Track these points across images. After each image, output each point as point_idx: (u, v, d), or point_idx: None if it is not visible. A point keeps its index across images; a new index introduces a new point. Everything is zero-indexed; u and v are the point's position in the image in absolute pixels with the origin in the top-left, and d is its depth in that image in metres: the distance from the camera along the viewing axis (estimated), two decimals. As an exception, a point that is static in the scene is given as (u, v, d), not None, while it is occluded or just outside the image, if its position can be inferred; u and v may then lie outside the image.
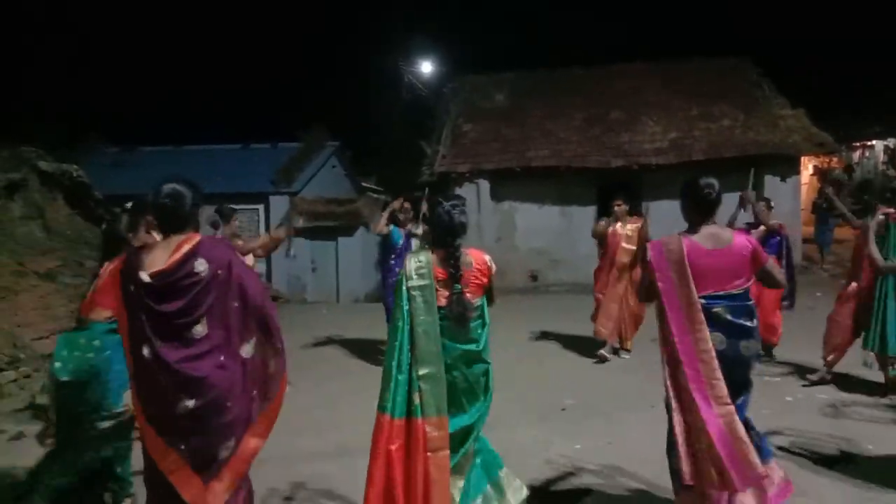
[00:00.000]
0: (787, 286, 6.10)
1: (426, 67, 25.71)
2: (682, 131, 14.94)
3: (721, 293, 3.36)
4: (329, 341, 8.96)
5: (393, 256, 7.70)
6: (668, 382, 3.42)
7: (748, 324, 3.38)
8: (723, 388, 3.24)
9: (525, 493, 3.49)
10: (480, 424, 3.32)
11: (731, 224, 6.02)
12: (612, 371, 7.13)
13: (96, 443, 3.68)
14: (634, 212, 7.73)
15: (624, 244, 7.46)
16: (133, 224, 4.01)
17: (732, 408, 3.24)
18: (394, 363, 3.19)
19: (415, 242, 7.71)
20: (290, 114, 26.04)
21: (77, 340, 3.77)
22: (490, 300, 3.45)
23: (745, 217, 6.87)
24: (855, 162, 23.23)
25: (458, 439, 3.22)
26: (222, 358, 2.80)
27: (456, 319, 3.22)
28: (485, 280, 3.37)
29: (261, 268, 15.08)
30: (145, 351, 2.74)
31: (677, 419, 3.36)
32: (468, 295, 3.27)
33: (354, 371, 7.52)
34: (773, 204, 7.32)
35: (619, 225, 7.59)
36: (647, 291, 3.55)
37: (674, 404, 3.38)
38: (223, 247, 2.97)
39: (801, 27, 26.99)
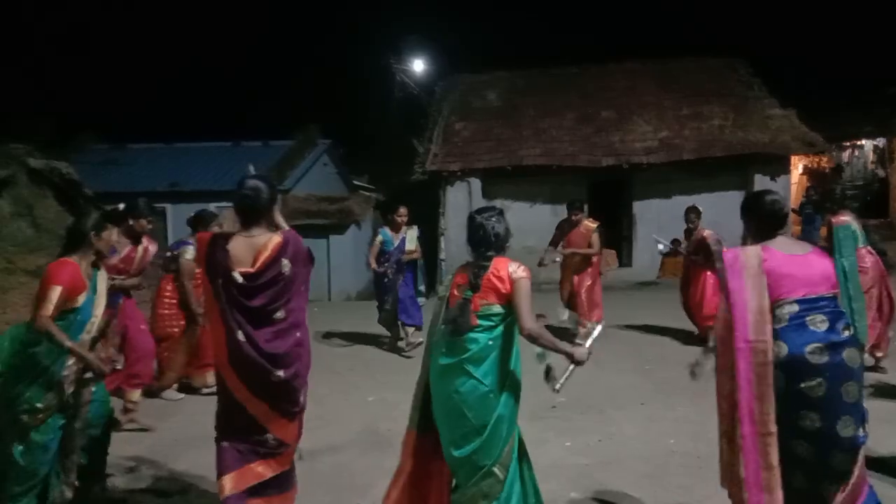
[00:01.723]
0: None
1: (418, 66, 25.65)
2: (673, 131, 14.99)
3: (813, 296, 3.04)
4: (320, 340, 8.95)
5: (384, 261, 7.72)
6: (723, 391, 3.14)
7: (845, 333, 3.02)
8: (771, 406, 2.92)
9: None
10: (487, 470, 3.04)
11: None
12: (603, 369, 7.15)
13: (21, 434, 3.63)
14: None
15: (580, 249, 8.16)
16: (100, 225, 3.91)
17: (774, 428, 2.90)
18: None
19: (410, 240, 7.76)
20: (282, 112, 25.93)
21: (11, 333, 3.89)
22: (520, 324, 3.09)
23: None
24: (845, 161, 23.35)
25: (458, 468, 3.10)
26: (298, 335, 3.30)
27: (449, 320, 3.16)
28: (505, 288, 3.12)
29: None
30: (240, 335, 3.15)
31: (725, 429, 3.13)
32: (480, 300, 3.11)
33: (343, 369, 7.51)
34: (700, 211, 8.37)
35: (576, 229, 8.21)
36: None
37: (725, 412, 3.12)
38: (298, 242, 3.29)
39: (793, 27, 27.11)
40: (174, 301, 6.23)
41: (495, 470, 3.02)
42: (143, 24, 35.43)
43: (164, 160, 19.10)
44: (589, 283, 8.22)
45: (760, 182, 14.13)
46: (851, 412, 2.93)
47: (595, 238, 8.20)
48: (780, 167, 14.51)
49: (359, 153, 24.32)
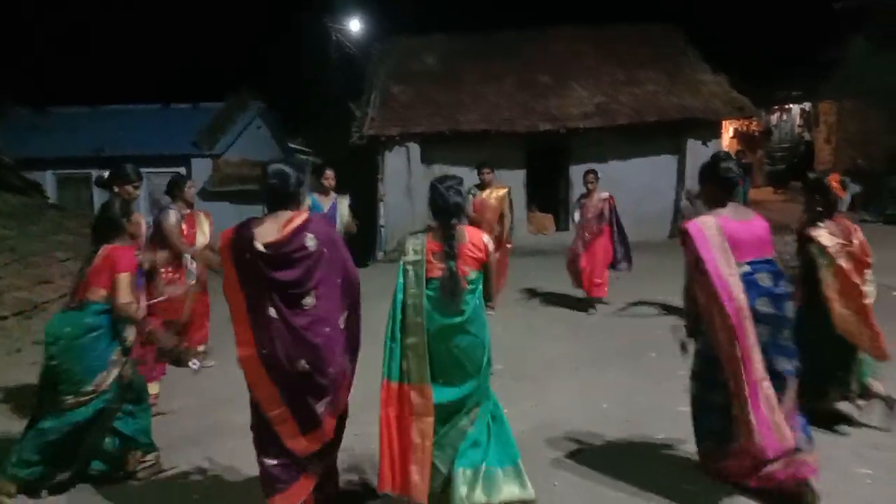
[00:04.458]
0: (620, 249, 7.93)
1: (355, 26, 25.11)
2: (608, 96, 15.13)
3: (761, 259, 3.64)
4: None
5: None
6: (716, 349, 3.56)
7: (785, 289, 3.68)
8: (760, 357, 3.46)
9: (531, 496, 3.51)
10: (472, 402, 3.46)
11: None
12: (537, 335, 7.27)
13: (64, 418, 3.84)
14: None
15: (489, 212, 7.82)
16: (127, 209, 4.18)
17: (767, 375, 3.46)
18: (388, 333, 3.44)
19: (342, 210, 7.02)
20: (213, 72, 25.13)
21: (69, 319, 3.94)
22: (487, 292, 3.58)
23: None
24: (773, 125, 24.10)
25: (447, 411, 3.41)
26: (328, 329, 3.13)
27: (447, 291, 3.40)
28: (481, 255, 3.50)
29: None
30: (272, 311, 3.05)
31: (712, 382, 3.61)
32: (462, 267, 3.44)
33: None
34: (599, 175, 8.16)
35: (485, 193, 7.94)
36: (692, 282, 3.67)
37: (717, 371, 3.56)
38: (329, 225, 3.24)
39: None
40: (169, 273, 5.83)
41: (484, 400, 3.53)
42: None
43: (89, 124, 18.38)
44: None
45: (693, 146, 14.45)
46: (786, 353, 3.59)
47: (506, 205, 7.98)
48: (711, 132, 14.84)
49: (294, 116, 23.83)
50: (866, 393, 4.51)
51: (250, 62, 25.27)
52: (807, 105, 22.14)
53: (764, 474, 3.53)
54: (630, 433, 4.54)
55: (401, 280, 3.47)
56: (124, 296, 3.90)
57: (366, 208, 7.48)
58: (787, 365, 3.57)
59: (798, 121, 23.06)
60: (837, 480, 3.81)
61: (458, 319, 3.40)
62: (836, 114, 19.62)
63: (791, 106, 23.17)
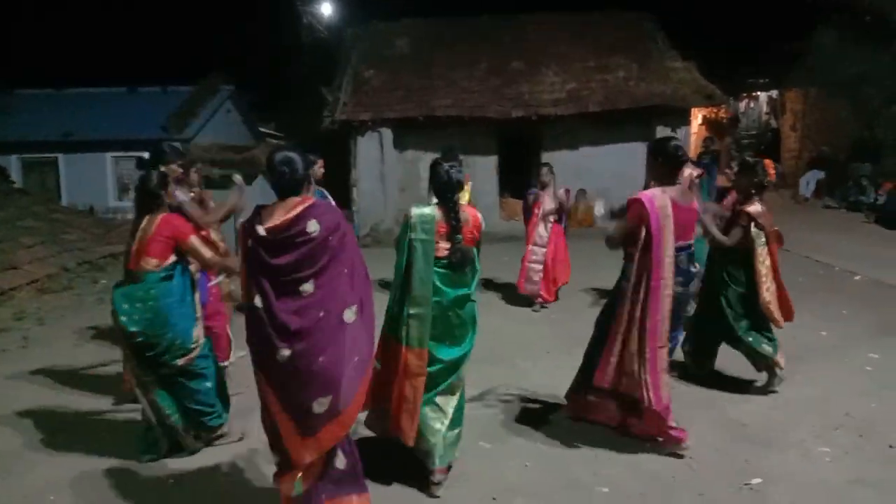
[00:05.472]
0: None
1: (327, 9, 24.86)
2: (580, 83, 15.21)
3: (685, 244, 4.00)
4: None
5: None
6: (625, 314, 3.96)
7: (695, 269, 4.20)
8: (667, 328, 3.90)
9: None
10: (469, 355, 3.87)
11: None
12: (512, 321, 7.36)
13: (169, 381, 4.11)
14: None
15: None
16: (163, 180, 4.21)
17: (667, 345, 3.96)
18: (394, 300, 3.76)
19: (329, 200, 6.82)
20: (182, 55, 24.71)
21: (135, 293, 4.02)
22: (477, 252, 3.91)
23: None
24: (741, 112, 24.41)
25: (453, 365, 3.77)
26: (321, 314, 2.98)
27: (457, 266, 3.72)
28: (476, 234, 3.86)
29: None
30: (258, 301, 2.99)
31: (619, 340, 3.99)
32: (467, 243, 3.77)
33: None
34: (553, 171, 8.14)
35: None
36: (625, 240, 4.01)
37: (621, 332, 3.98)
38: (336, 214, 3.13)
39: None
40: None
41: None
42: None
43: (56, 107, 18.07)
44: None
45: (662, 133, 14.59)
46: (678, 323, 4.21)
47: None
48: (680, 119, 15.02)
49: (265, 100, 23.59)
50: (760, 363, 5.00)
51: (220, 45, 24.86)
52: (774, 93, 22.45)
53: (630, 424, 4.14)
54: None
55: (406, 255, 3.69)
56: (206, 252, 4.19)
57: (338, 194, 7.42)
58: (676, 333, 4.23)
59: (765, 108, 23.37)
60: (798, 459, 3.96)
61: (465, 290, 3.79)
62: (803, 102, 19.94)
63: (758, 94, 23.47)
